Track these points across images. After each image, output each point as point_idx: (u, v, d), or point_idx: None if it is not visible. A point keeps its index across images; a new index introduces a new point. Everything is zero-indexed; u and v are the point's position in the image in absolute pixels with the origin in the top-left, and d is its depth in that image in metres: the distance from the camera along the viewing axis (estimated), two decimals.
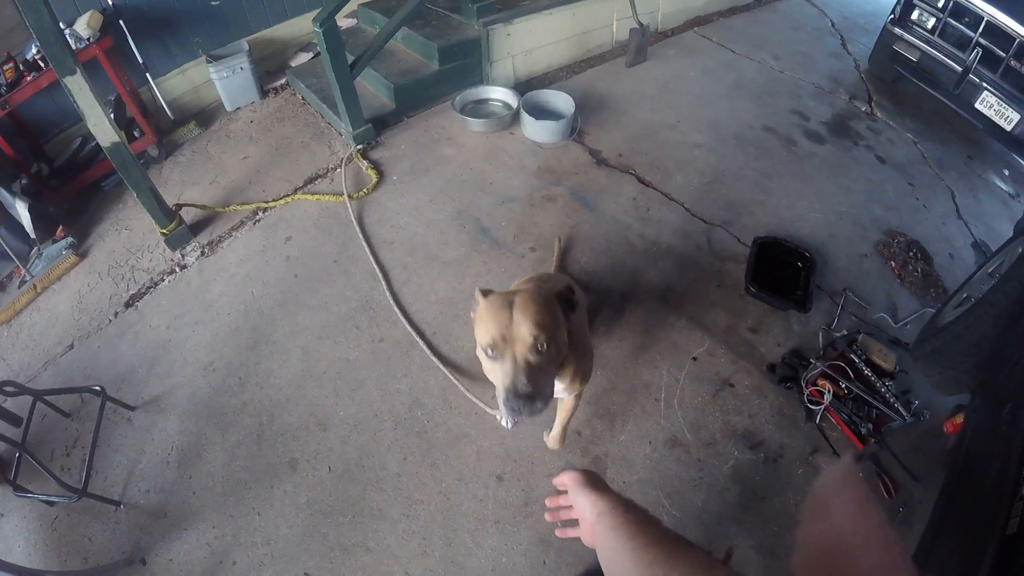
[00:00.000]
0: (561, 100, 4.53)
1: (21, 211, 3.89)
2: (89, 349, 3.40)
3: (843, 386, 2.77)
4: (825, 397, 2.72)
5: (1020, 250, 2.60)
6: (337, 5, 3.76)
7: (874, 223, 3.80)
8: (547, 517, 1.19)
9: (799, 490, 2.51)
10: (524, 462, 2.61)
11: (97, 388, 2.85)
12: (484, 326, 1.57)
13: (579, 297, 1.87)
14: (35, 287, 3.84)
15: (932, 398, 2.82)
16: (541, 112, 4.46)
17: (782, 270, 3.34)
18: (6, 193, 3.90)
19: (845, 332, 3.09)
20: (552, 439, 2.51)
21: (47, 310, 3.71)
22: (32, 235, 3.97)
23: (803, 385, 2.81)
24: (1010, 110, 4.03)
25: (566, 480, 1.07)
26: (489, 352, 1.55)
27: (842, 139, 4.51)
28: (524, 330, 1.52)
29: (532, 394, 1.49)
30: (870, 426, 2.68)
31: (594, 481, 1.04)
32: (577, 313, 1.85)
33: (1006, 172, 4.55)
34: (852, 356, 2.91)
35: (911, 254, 3.61)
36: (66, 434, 3.01)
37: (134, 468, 2.83)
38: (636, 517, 0.92)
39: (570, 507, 1.10)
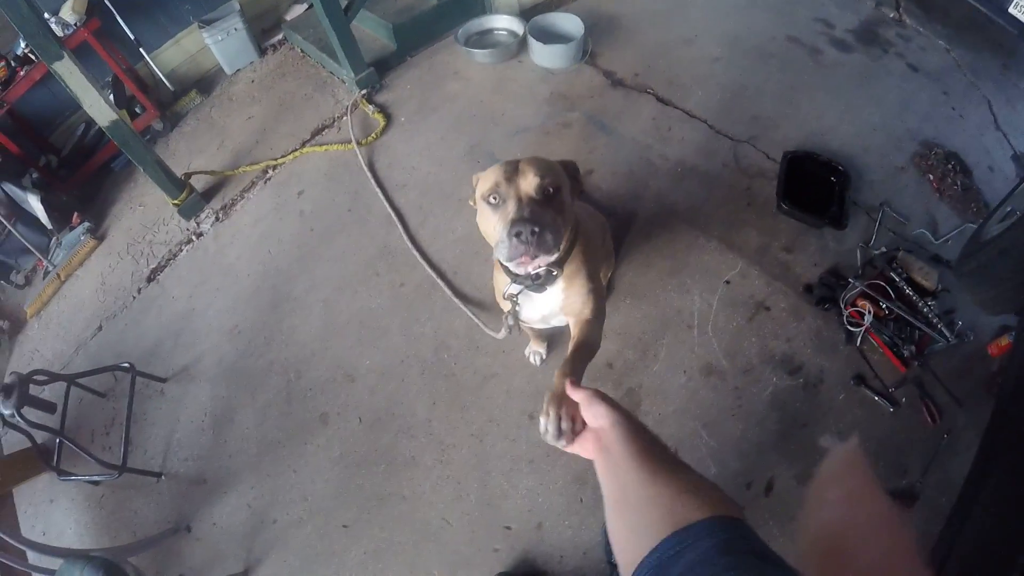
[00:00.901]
0: (570, 22, 4.30)
1: (34, 204, 4.00)
2: (116, 328, 3.49)
3: (883, 306, 2.63)
4: (865, 318, 2.59)
5: None
6: None
7: (909, 134, 3.58)
8: (562, 427, 1.14)
9: (841, 416, 2.42)
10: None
11: (126, 365, 2.94)
12: (488, 176, 1.54)
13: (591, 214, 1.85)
14: (59, 276, 3.95)
15: (976, 318, 2.66)
16: (549, 36, 4.24)
17: (815, 185, 3.15)
18: (17, 189, 4.00)
19: (884, 249, 2.92)
20: (557, 378, 1.57)
21: (73, 297, 3.81)
22: (49, 226, 4.09)
23: (842, 306, 2.67)
24: None
25: (581, 395, 1.06)
26: (492, 199, 1.48)
27: (870, 47, 4.23)
28: (530, 173, 1.47)
29: (537, 219, 1.40)
30: (913, 348, 2.54)
31: (606, 397, 1.03)
32: (587, 223, 1.81)
33: None
34: (892, 275, 2.75)
35: (949, 166, 3.41)
36: (103, 414, 3.11)
37: (171, 438, 2.92)
38: (646, 432, 0.94)
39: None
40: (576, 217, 1.67)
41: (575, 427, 1.12)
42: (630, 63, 4.12)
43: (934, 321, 2.62)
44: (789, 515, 2.19)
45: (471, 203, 1.67)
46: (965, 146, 3.56)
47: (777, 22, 4.39)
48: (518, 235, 1.38)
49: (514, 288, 1.71)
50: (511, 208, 1.43)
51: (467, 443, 2.53)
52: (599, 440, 0.97)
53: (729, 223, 3.09)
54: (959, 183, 3.33)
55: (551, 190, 1.48)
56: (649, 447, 0.88)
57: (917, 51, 4.24)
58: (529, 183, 1.45)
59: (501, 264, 1.63)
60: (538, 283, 1.66)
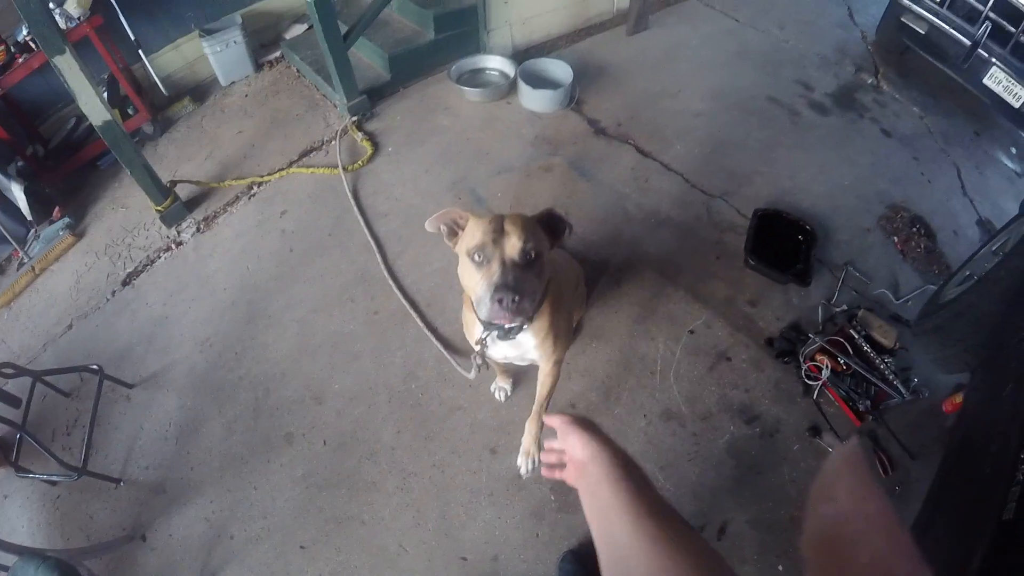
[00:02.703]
0: (559, 69, 4.44)
1: (17, 193, 3.92)
2: (88, 328, 3.44)
3: (842, 362, 2.73)
4: (823, 372, 2.69)
5: None
6: None
7: (878, 197, 3.73)
8: (543, 464, 1.14)
9: (795, 465, 2.50)
10: (518, 434, 2.53)
11: (95, 367, 2.89)
12: (473, 232, 1.60)
13: (567, 261, 1.92)
14: (33, 269, 3.88)
15: (932, 376, 2.78)
16: (539, 81, 4.37)
17: (782, 242, 3.28)
18: (1, 176, 3.93)
19: (845, 307, 3.04)
20: (527, 436, 2.30)
21: (46, 291, 3.75)
22: (29, 217, 4.00)
23: (801, 360, 2.77)
24: (1019, 87, 3.93)
25: (557, 422, 1.06)
26: (476, 257, 1.56)
27: (847, 111, 4.42)
28: (514, 237, 1.55)
29: (519, 287, 1.49)
30: (868, 403, 2.65)
31: (587, 423, 1.03)
32: (561, 271, 1.91)
33: (1013, 150, 4.46)
34: (852, 332, 2.86)
35: (915, 229, 3.54)
36: (66, 414, 3.06)
37: (133, 445, 2.88)
38: (628, 465, 0.92)
39: (561, 451, 1.08)
40: (551, 268, 1.75)
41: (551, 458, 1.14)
42: (615, 112, 4.26)
43: (890, 378, 2.72)
44: (741, 558, 2.25)
45: (448, 243, 1.74)
46: (932, 210, 3.70)
47: (760, 81, 4.56)
48: (500, 301, 1.47)
49: (483, 333, 1.81)
50: (495, 270, 1.51)
51: (429, 472, 2.56)
52: (581, 471, 0.96)
53: (698, 274, 3.20)
54: (923, 245, 3.46)
55: (532, 255, 1.56)
56: (636, 491, 0.86)
57: (892, 116, 4.42)
58: (513, 247, 1.53)
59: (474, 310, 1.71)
60: (507, 332, 1.77)
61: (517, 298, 1.47)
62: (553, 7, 5.00)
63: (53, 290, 3.73)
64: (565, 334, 2.06)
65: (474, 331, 1.96)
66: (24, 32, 3.92)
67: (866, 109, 4.45)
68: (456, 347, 2.91)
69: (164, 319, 3.36)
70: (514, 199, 3.61)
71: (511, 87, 4.43)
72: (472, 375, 2.24)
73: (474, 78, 4.67)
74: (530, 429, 2.27)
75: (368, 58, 4.76)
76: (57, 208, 4.12)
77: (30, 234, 4.03)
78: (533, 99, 4.24)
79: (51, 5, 3.78)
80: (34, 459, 2.63)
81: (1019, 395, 1.83)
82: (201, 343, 3.19)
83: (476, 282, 1.56)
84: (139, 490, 2.72)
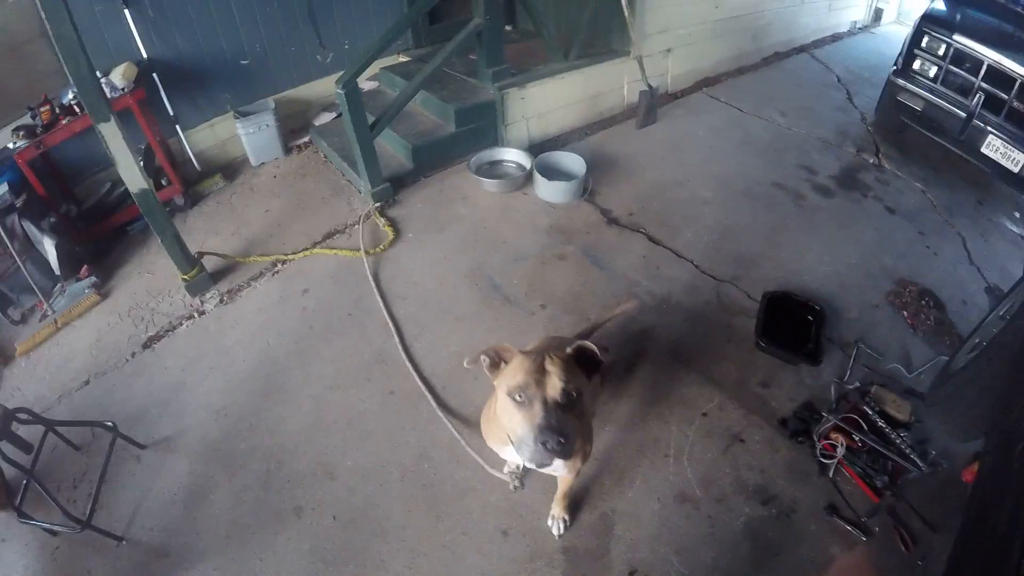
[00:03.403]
0: (573, 161, 4.66)
1: (48, 247, 4.03)
2: (104, 386, 3.47)
3: (857, 439, 2.73)
4: (838, 451, 2.69)
5: None
6: (359, 69, 3.98)
7: (885, 273, 3.81)
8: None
9: (813, 545, 2.46)
10: (530, 516, 2.60)
11: (109, 424, 2.92)
12: (515, 372, 1.64)
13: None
14: (56, 322, 3.94)
15: (950, 447, 2.77)
16: (553, 173, 4.58)
17: (792, 323, 3.34)
18: (35, 229, 4.03)
19: (858, 384, 3.05)
20: (555, 510, 2.54)
21: (66, 345, 3.81)
22: (57, 271, 4.10)
23: (815, 439, 2.77)
24: (1016, 152, 4.07)
25: None
26: (518, 396, 1.60)
27: (850, 191, 4.56)
28: (555, 377, 1.60)
29: (563, 431, 1.53)
30: (886, 478, 2.63)
31: None
32: (588, 398, 1.88)
33: (1016, 214, 4.55)
34: (865, 408, 2.87)
35: (923, 302, 3.60)
36: (75, 467, 3.05)
37: (140, 505, 2.86)
38: None
39: None
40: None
41: None
42: (626, 202, 4.43)
43: (907, 451, 2.70)
44: None
45: (489, 375, 1.79)
46: (939, 281, 3.77)
47: (764, 168, 4.75)
48: (544, 443, 1.52)
49: (520, 464, 1.87)
50: (538, 412, 1.55)
51: (438, 553, 2.53)
52: None
53: (709, 358, 3.25)
54: (933, 317, 3.51)
55: (574, 394, 1.62)
56: None
57: (895, 193, 4.56)
58: (555, 387, 1.59)
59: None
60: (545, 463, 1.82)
61: (562, 441, 1.52)
62: (567, 103, 5.30)
63: (73, 345, 3.78)
64: (590, 444, 2.13)
65: (497, 443, 2.06)
66: (70, 95, 4.10)
67: (869, 188, 4.59)
68: (472, 428, 2.93)
69: (181, 385, 3.39)
70: (529, 287, 3.71)
71: (527, 179, 4.62)
72: (513, 487, 2.62)
73: (492, 169, 4.88)
74: (559, 504, 2.49)
75: (392, 148, 5.00)
76: (85, 267, 4.23)
77: (56, 288, 4.12)
78: (548, 190, 4.43)
79: (98, 75, 3.94)
80: (38, 507, 2.61)
81: None
82: (216, 411, 3.21)
83: (518, 423, 1.60)
84: (141, 551, 2.68)
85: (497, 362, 1.79)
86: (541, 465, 1.72)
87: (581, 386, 1.68)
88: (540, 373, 1.62)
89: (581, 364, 1.78)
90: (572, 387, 1.61)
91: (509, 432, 1.67)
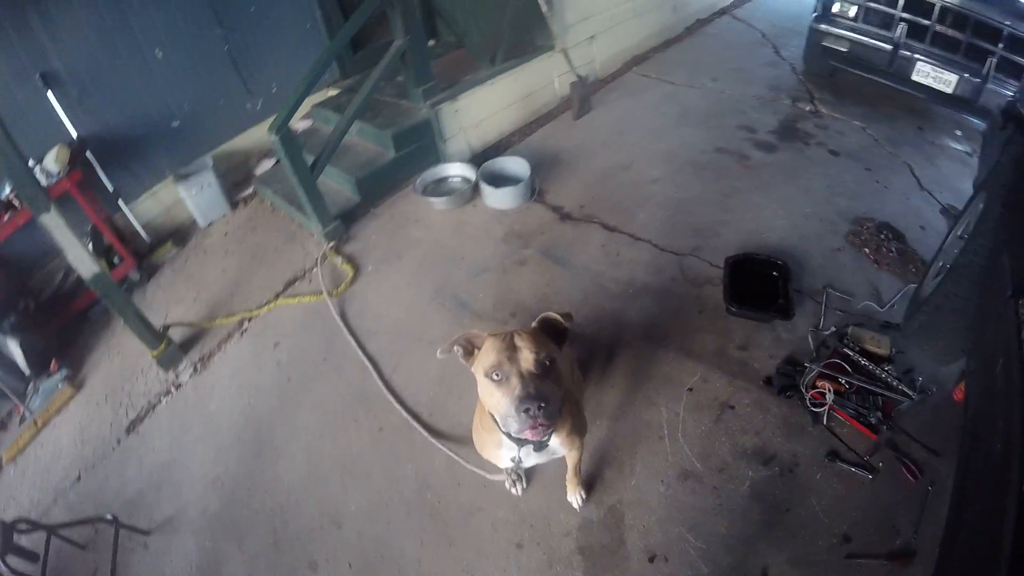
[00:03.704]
0: (517, 164, 4.67)
1: (13, 349, 3.95)
2: (97, 478, 3.43)
3: (843, 382, 2.76)
4: (827, 397, 2.71)
5: (981, 206, 2.61)
6: (289, 112, 3.94)
7: (840, 215, 3.86)
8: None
9: (822, 494, 2.48)
10: (540, 525, 2.59)
11: (109, 517, 2.90)
12: (487, 353, 1.69)
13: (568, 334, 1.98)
14: (36, 423, 3.88)
15: (936, 371, 2.80)
16: (500, 179, 4.59)
17: (759, 283, 3.37)
18: None
19: (833, 329, 3.08)
20: (571, 489, 2.61)
21: (50, 444, 3.75)
22: (26, 371, 4.00)
23: (803, 391, 2.79)
24: (946, 73, 4.18)
25: None
26: (495, 375, 1.65)
27: (793, 142, 4.63)
28: (525, 350, 1.65)
29: (542, 395, 1.57)
30: (879, 414, 2.65)
31: None
32: (564, 367, 1.93)
33: (958, 132, 4.64)
34: (846, 350, 2.91)
35: (882, 236, 3.64)
36: (84, 567, 2.99)
37: None
38: None
39: None
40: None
41: None
42: (576, 196, 4.45)
43: (894, 384, 2.73)
44: None
45: (465, 363, 1.84)
46: (895, 213, 3.83)
47: (705, 136, 4.80)
48: (527, 411, 1.56)
49: (517, 450, 1.90)
50: (515, 384, 1.60)
51: None
52: None
53: (684, 333, 3.27)
54: (894, 249, 3.56)
55: (547, 363, 1.66)
56: None
57: (836, 136, 4.63)
58: (527, 359, 1.64)
59: (501, 431, 1.82)
60: (540, 444, 1.87)
61: (543, 405, 1.56)
62: (501, 107, 5.32)
63: (57, 442, 3.73)
64: (582, 421, 2.20)
65: (491, 450, 2.08)
66: (7, 190, 4.02)
67: (810, 136, 4.66)
68: (467, 446, 2.88)
69: (172, 462, 3.36)
70: (495, 298, 3.71)
71: (475, 190, 4.62)
72: (519, 492, 2.68)
73: (439, 187, 4.88)
74: (572, 482, 2.57)
75: (337, 184, 4.96)
76: (54, 360, 4.15)
77: (29, 388, 4.03)
78: (497, 198, 4.43)
79: (31, 163, 3.92)
80: None
81: (1010, 368, 1.84)
82: (212, 482, 3.18)
83: (499, 399, 1.64)
84: None
85: (470, 349, 1.83)
86: (540, 447, 1.83)
87: (552, 352, 1.72)
88: (512, 350, 1.66)
89: (550, 335, 1.84)
90: (543, 356, 1.66)
91: (494, 412, 1.70)
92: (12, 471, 3.68)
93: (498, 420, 1.70)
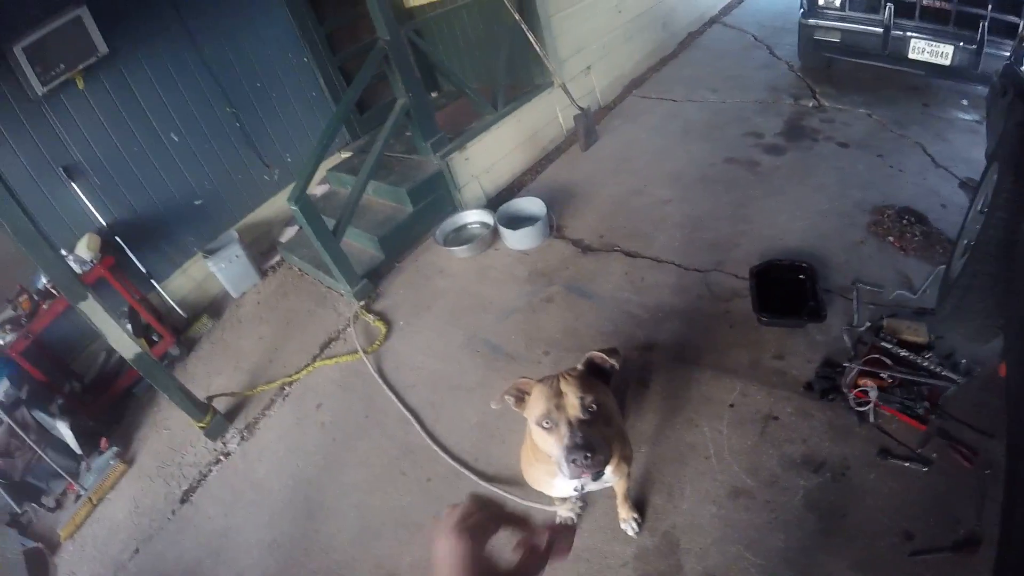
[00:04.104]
0: (532, 204, 4.74)
1: (63, 430, 4.06)
2: (155, 550, 3.47)
3: (885, 377, 2.71)
4: (871, 395, 2.67)
5: (995, 176, 2.59)
6: (305, 181, 4.06)
7: (857, 207, 3.83)
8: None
9: (878, 494, 2.44)
10: (596, 559, 2.59)
11: None
12: (536, 402, 1.73)
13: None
14: (91, 500, 3.95)
15: (977, 351, 2.74)
16: (517, 221, 4.65)
17: (786, 288, 3.35)
18: (46, 416, 4.08)
19: (868, 324, 3.04)
20: (623, 516, 2.61)
21: (106, 519, 3.82)
22: (77, 450, 4.12)
23: (845, 391, 2.76)
24: (941, 45, 4.16)
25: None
26: (544, 424, 1.69)
27: (800, 141, 4.63)
28: (572, 396, 1.69)
29: (590, 445, 1.60)
30: (926, 404, 2.60)
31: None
32: (611, 403, 1.97)
33: (964, 102, 4.59)
34: (883, 344, 2.85)
35: (904, 221, 3.60)
36: None
37: None
38: None
39: None
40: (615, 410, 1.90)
41: None
42: (593, 226, 4.49)
43: (937, 370, 2.67)
44: None
45: (518, 410, 1.88)
46: (913, 196, 3.79)
47: (712, 148, 4.83)
48: (574, 461, 1.60)
49: (577, 485, 1.90)
50: (564, 433, 1.65)
51: None
52: None
53: (717, 350, 3.26)
54: (918, 232, 3.52)
55: (595, 407, 1.70)
56: None
57: (842, 127, 4.62)
58: (573, 406, 1.68)
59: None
60: (597, 475, 1.86)
61: (590, 455, 1.59)
62: (509, 149, 5.43)
63: (114, 517, 3.79)
64: (628, 448, 2.22)
65: (545, 480, 2.10)
66: (44, 279, 4.20)
67: (817, 131, 4.66)
68: (517, 486, 2.89)
69: (227, 529, 3.40)
70: (526, 338, 3.74)
71: (494, 234, 4.69)
72: (575, 520, 2.69)
73: (459, 236, 4.96)
74: (623, 508, 2.58)
75: (360, 244, 5.07)
76: (104, 439, 4.25)
77: (81, 466, 4.14)
78: (516, 239, 4.49)
79: (63, 252, 4.05)
80: None
81: None
82: (268, 546, 3.21)
83: (551, 446, 1.69)
84: None
85: (521, 397, 1.88)
86: (586, 481, 1.81)
87: (600, 395, 1.75)
88: (559, 396, 1.70)
89: (596, 374, 1.89)
90: (590, 400, 1.69)
91: (548, 455, 1.74)
92: (71, 548, 3.75)
93: (557, 464, 1.72)
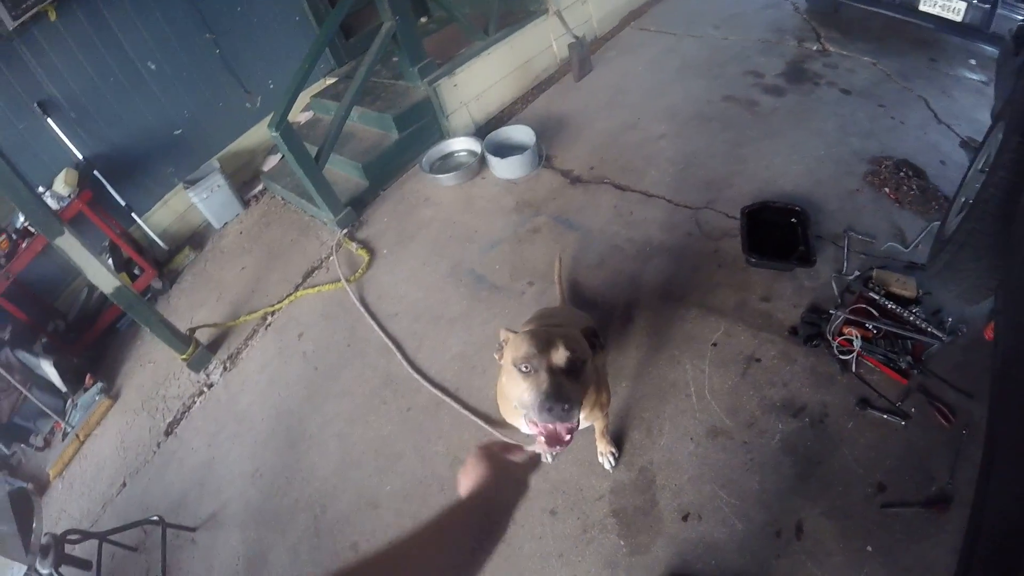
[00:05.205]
0: (522, 132, 4.61)
1: (48, 369, 4.10)
2: (141, 483, 3.54)
3: (870, 327, 2.69)
4: (855, 344, 2.65)
5: (1000, 136, 2.51)
6: (286, 107, 3.92)
7: (856, 156, 3.75)
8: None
9: (854, 443, 2.45)
10: (572, 491, 2.60)
11: (155, 518, 3.00)
12: (522, 344, 1.67)
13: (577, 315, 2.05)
14: (78, 437, 3.99)
15: (965, 310, 2.73)
16: (506, 149, 4.54)
17: (777, 231, 3.29)
18: (30, 356, 4.11)
19: (857, 273, 3.01)
20: (601, 449, 2.62)
21: (93, 455, 3.87)
22: (63, 389, 4.16)
23: (830, 339, 2.73)
24: (954, 0, 4.00)
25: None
26: (524, 367, 1.63)
27: (801, 84, 4.49)
28: (561, 350, 1.63)
29: (567, 396, 1.55)
30: (909, 358, 2.59)
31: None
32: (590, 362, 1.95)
33: (972, 62, 4.47)
34: (871, 294, 2.82)
35: (902, 174, 3.53)
36: (137, 568, 3.11)
37: None
38: None
39: None
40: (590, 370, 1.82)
41: None
42: (584, 158, 4.38)
43: (923, 326, 2.65)
44: (826, 551, 2.19)
45: (496, 357, 1.84)
46: (912, 149, 3.70)
47: (710, 86, 4.69)
48: (549, 410, 1.53)
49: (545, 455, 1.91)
50: (543, 380, 1.58)
51: (497, 549, 2.52)
52: None
53: (704, 288, 3.22)
54: (915, 186, 3.44)
55: (579, 363, 1.65)
56: None
57: (846, 74, 4.48)
58: (560, 356, 1.62)
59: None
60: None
61: (567, 406, 1.53)
62: (499, 76, 5.24)
63: (100, 453, 3.84)
64: (606, 394, 2.22)
65: (518, 417, 2.05)
66: (22, 218, 4.13)
67: (819, 76, 4.53)
68: (496, 421, 2.91)
69: (211, 460, 3.45)
70: (511, 268, 3.70)
71: (481, 163, 4.58)
72: (550, 459, 2.69)
73: (445, 164, 4.85)
74: (601, 442, 2.60)
75: (344, 171, 4.98)
76: (88, 375, 4.28)
77: (67, 404, 4.19)
78: (504, 168, 4.39)
79: (40, 189, 4.04)
80: None
81: None
82: (251, 476, 3.26)
83: (524, 390, 1.62)
84: None
85: (500, 344, 1.85)
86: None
87: (585, 356, 1.71)
88: (546, 344, 1.65)
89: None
90: (577, 355, 1.64)
91: (516, 401, 1.68)
92: (60, 486, 3.82)
93: (519, 407, 1.67)
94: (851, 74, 4.49)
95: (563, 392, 1.55)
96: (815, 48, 4.87)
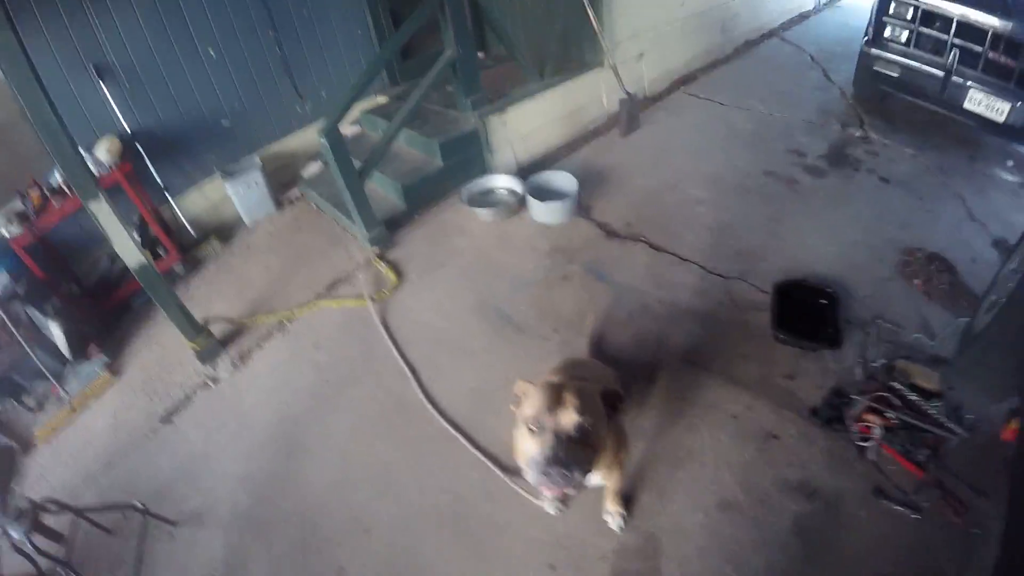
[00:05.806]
0: (563, 179, 4.66)
1: (55, 331, 4.02)
2: (129, 465, 3.46)
3: (891, 416, 2.66)
4: (874, 432, 2.63)
5: None
6: (339, 115, 3.99)
7: (890, 244, 3.78)
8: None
9: (865, 533, 2.42)
10: (575, 547, 2.56)
11: (138, 504, 2.92)
12: (533, 401, 1.66)
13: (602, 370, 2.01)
14: (72, 405, 3.93)
15: (986, 408, 2.68)
16: (545, 193, 4.59)
17: (807, 311, 3.31)
18: (39, 314, 4.02)
19: (883, 361, 2.98)
20: (609, 508, 2.57)
21: (85, 428, 3.80)
22: (66, 354, 4.08)
23: (850, 423, 2.72)
24: (998, 101, 4.06)
25: None
26: (533, 426, 1.62)
27: (842, 168, 4.56)
28: (569, 414, 1.61)
29: (567, 463, 1.55)
30: (927, 451, 2.56)
31: None
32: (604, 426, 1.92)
33: (1010, 163, 4.52)
34: (894, 384, 2.78)
35: (933, 267, 3.55)
36: (109, 552, 3.00)
37: None
38: None
39: None
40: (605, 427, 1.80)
41: None
42: (622, 213, 4.42)
43: (943, 420, 2.60)
44: None
45: (512, 409, 1.82)
46: (946, 244, 3.73)
47: (753, 159, 4.75)
48: (546, 474, 1.54)
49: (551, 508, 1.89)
50: (548, 442, 1.58)
51: None
52: None
53: (729, 358, 3.21)
54: (945, 281, 3.46)
55: (588, 427, 1.63)
56: None
57: (886, 163, 4.54)
58: (568, 421, 1.61)
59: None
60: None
61: (567, 472, 1.54)
62: (548, 121, 5.33)
63: (92, 427, 3.77)
64: (624, 453, 2.21)
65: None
66: (58, 177, 4.13)
67: (860, 162, 4.59)
68: (504, 464, 2.90)
69: (204, 456, 3.38)
70: (538, 312, 3.70)
71: (521, 203, 4.62)
72: (554, 511, 2.63)
73: (484, 198, 4.88)
74: (611, 501, 2.54)
75: (383, 190, 5.01)
76: (93, 345, 4.21)
77: (67, 370, 4.10)
78: (543, 212, 4.43)
79: (83, 152, 3.92)
80: None
81: None
82: (243, 479, 3.19)
83: (528, 448, 1.63)
84: None
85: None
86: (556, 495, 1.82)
87: (598, 422, 1.70)
88: (556, 403, 1.63)
89: (605, 401, 1.81)
90: (586, 421, 1.62)
91: (521, 455, 1.69)
92: (46, 451, 3.73)
93: (521, 463, 1.68)
94: (891, 163, 4.55)
95: (564, 457, 1.55)
96: (858, 134, 4.94)
